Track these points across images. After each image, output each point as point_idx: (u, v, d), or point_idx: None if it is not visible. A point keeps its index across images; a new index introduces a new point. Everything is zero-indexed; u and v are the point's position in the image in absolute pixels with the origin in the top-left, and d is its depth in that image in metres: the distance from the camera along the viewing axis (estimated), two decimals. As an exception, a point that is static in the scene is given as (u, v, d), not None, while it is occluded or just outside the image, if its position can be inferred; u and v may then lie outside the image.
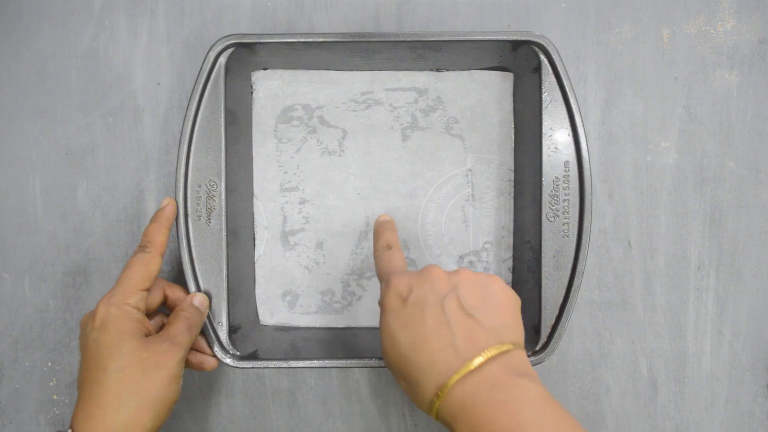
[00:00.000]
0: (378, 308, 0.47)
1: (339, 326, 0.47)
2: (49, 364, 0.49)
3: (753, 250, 0.47)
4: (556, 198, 0.42)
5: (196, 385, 0.48)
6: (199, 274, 0.42)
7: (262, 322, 0.47)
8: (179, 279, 0.48)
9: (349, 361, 0.42)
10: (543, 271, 0.42)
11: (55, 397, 0.49)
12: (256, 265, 0.47)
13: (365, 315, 0.47)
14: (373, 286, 0.47)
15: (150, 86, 0.48)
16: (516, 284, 0.46)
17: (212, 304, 0.42)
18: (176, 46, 0.47)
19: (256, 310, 0.47)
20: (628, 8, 0.47)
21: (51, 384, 0.49)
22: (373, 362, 0.42)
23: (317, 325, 0.47)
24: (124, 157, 0.48)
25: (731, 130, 0.47)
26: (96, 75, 0.48)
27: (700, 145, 0.47)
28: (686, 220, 0.47)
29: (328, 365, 0.42)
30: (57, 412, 0.49)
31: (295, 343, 0.45)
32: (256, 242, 0.47)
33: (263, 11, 0.47)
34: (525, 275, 0.45)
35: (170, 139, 0.48)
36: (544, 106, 0.42)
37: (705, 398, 0.48)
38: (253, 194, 0.47)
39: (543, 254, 0.42)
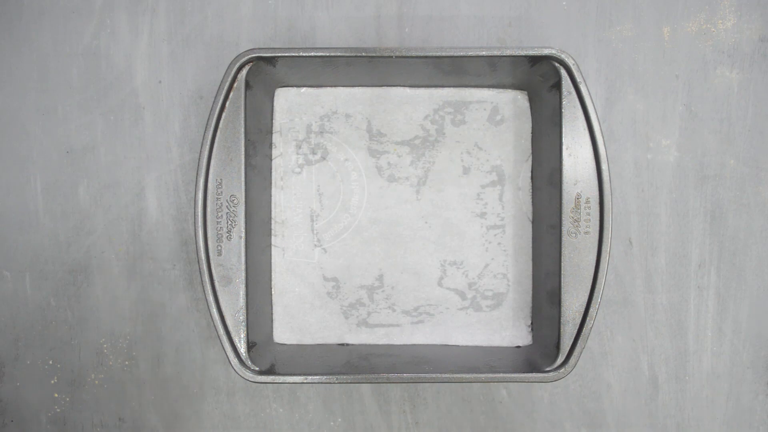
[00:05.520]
0: (391, 324, 0.47)
1: (354, 343, 0.47)
2: (50, 362, 0.49)
3: (754, 248, 0.47)
4: (576, 215, 0.42)
5: (197, 383, 0.48)
6: (218, 288, 0.42)
7: (276, 341, 0.47)
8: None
9: (365, 376, 0.42)
10: (563, 289, 0.42)
11: (56, 395, 0.49)
12: (272, 283, 0.47)
13: (380, 333, 0.47)
14: (385, 305, 0.47)
15: (151, 84, 0.48)
16: (535, 301, 0.46)
17: (232, 320, 0.42)
18: (177, 44, 0.48)
19: (272, 327, 0.47)
20: (628, 6, 0.47)
21: (52, 382, 0.49)
22: (392, 377, 0.42)
23: (332, 341, 0.47)
24: (125, 155, 0.48)
25: (732, 127, 0.47)
26: (97, 73, 0.48)
27: (700, 143, 0.47)
28: (687, 218, 0.47)
29: (344, 381, 0.42)
30: (58, 411, 0.49)
31: (309, 359, 0.45)
32: (274, 259, 0.47)
33: (264, 8, 0.47)
34: (544, 293, 0.45)
35: (171, 137, 0.48)
36: (563, 123, 0.41)
37: (706, 396, 0.48)
38: (271, 214, 0.47)
39: (562, 271, 0.42)
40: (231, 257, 0.42)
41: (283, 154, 0.47)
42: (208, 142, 0.42)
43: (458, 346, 0.47)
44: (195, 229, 0.42)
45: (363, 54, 0.41)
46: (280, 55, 0.42)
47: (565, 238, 0.42)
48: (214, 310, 0.42)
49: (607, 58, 0.47)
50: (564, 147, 0.42)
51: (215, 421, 0.49)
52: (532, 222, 0.47)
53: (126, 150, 0.48)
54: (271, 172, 0.47)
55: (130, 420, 0.49)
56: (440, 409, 0.48)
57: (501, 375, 0.42)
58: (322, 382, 0.42)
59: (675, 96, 0.47)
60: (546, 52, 0.41)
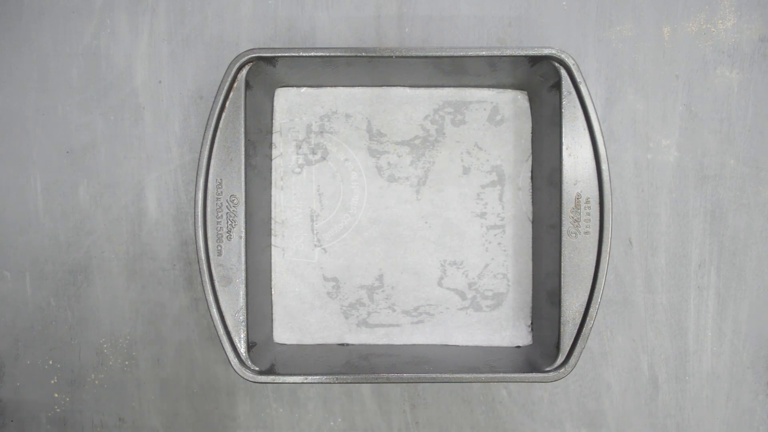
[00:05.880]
0: (391, 324, 0.47)
1: (354, 343, 0.47)
2: (50, 362, 0.49)
3: (754, 248, 0.47)
4: (576, 215, 0.42)
5: (197, 383, 0.48)
6: (218, 288, 0.42)
7: (276, 341, 0.47)
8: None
9: (365, 376, 0.42)
10: (563, 289, 0.42)
11: (56, 395, 0.49)
12: (272, 283, 0.47)
13: (380, 333, 0.47)
14: (385, 305, 0.47)
15: (151, 84, 0.48)
16: (535, 301, 0.46)
17: (232, 320, 0.42)
18: (177, 44, 0.48)
19: (272, 327, 0.47)
20: (628, 6, 0.47)
21: (52, 382, 0.49)
22: (392, 377, 0.42)
23: (332, 341, 0.47)
24: (125, 155, 0.48)
25: (732, 127, 0.47)
26: (97, 73, 0.48)
27: (700, 143, 0.47)
28: (687, 218, 0.47)
29: (344, 381, 0.42)
30: (58, 411, 0.49)
31: (309, 359, 0.45)
32: (274, 259, 0.47)
33: (264, 8, 0.47)
34: (544, 293, 0.45)
35: (171, 137, 0.48)
36: (563, 123, 0.41)
37: (706, 396, 0.48)
38: (271, 214, 0.47)
39: (562, 271, 0.42)
40: (231, 257, 0.42)
41: (283, 154, 0.47)
42: (208, 142, 0.42)
43: (458, 346, 0.47)
44: (195, 229, 0.42)
45: (363, 54, 0.41)
46: (280, 55, 0.42)
47: (565, 238, 0.42)
48: (214, 310, 0.42)
49: (607, 58, 0.47)
50: (564, 147, 0.42)
51: (215, 421, 0.49)
52: (532, 222, 0.47)
53: (126, 150, 0.48)
54: (271, 172, 0.47)
55: (130, 420, 0.49)
56: (440, 409, 0.48)
57: (501, 375, 0.42)
58: (322, 382, 0.42)
59: (675, 96, 0.47)
60: (546, 52, 0.41)
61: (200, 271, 0.42)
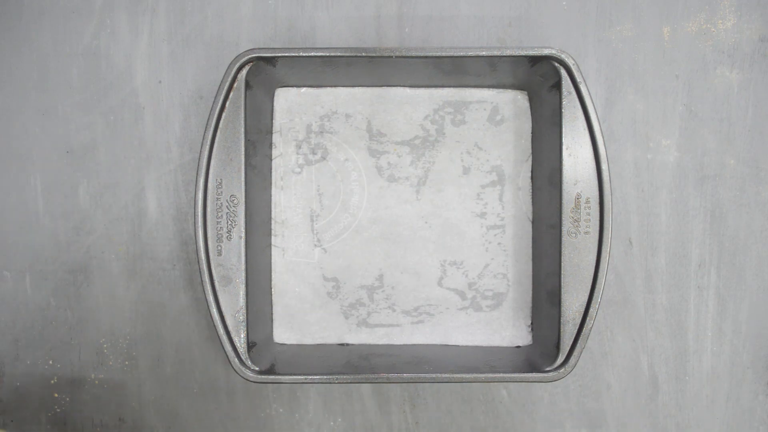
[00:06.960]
0: (391, 324, 0.47)
1: (354, 343, 0.47)
2: (50, 362, 0.49)
3: (754, 248, 0.47)
4: (576, 215, 0.42)
5: (197, 383, 0.48)
6: (218, 288, 0.42)
7: (276, 341, 0.47)
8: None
9: (365, 376, 0.42)
10: (563, 289, 0.42)
11: (56, 395, 0.49)
12: (272, 283, 0.47)
13: (380, 333, 0.47)
14: (385, 305, 0.47)
15: (151, 84, 0.48)
16: (535, 301, 0.46)
17: (232, 320, 0.42)
18: (177, 44, 0.48)
19: (272, 327, 0.47)
20: (628, 6, 0.47)
21: (52, 382, 0.49)
22: (392, 377, 0.42)
23: (332, 341, 0.47)
24: (125, 155, 0.48)
25: (732, 127, 0.47)
26: (97, 73, 0.48)
27: (700, 143, 0.47)
28: (687, 218, 0.47)
29: (344, 381, 0.42)
30: (58, 411, 0.49)
31: (309, 359, 0.45)
32: (274, 259, 0.47)
33: (264, 8, 0.47)
34: (544, 293, 0.45)
35: (171, 137, 0.48)
36: (563, 123, 0.41)
37: (706, 396, 0.48)
38: (271, 214, 0.47)
39: (562, 271, 0.42)
40: (231, 257, 0.42)
41: (283, 154, 0.47)
42: (208, 142, 0.42)
43: (458, 346, 0.47)
44: (195, 229, 0.42)
45: (363, 54, 0.41)
46: (280, 55, 0.42)
47: (565, 238, 0.42)
48: (214, 310, 0.42)
49: (607, 58, 0.47)
50: (564, 147, 0.42)
51: (215, 421, 0.49)
52: (532, 222, 0.47)
53: (126, 150, 0.48)
54: (271, 172, 0.47)
55: (130, 420, 0.49)
56: (440, 409, 0.48)
57: (501, 375, 0.42)
58: (322, 382, 0.42)
59: (675, 96, 0.47)
60: (546, 52, 0.41)
61: (200, 271, 0.42)
